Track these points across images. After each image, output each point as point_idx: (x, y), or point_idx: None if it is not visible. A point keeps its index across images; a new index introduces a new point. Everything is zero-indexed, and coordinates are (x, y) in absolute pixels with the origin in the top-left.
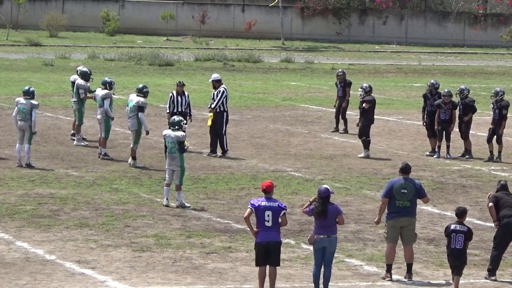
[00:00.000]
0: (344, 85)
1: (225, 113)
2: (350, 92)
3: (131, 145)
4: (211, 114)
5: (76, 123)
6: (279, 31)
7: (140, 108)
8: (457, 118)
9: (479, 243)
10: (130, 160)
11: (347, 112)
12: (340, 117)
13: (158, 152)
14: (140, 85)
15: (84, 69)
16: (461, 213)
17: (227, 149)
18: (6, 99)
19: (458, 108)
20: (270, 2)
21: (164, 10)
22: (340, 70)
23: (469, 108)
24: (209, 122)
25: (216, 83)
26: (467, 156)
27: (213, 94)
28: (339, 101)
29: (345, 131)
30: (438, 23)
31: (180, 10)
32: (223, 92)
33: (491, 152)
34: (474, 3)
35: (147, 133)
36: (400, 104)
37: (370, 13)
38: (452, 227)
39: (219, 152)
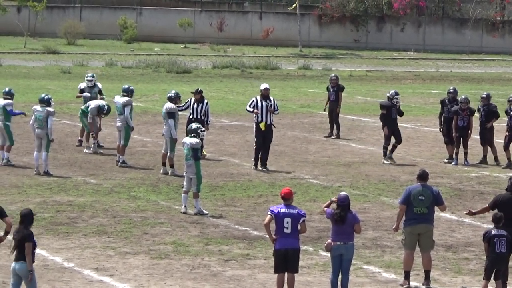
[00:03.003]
0: (337, 89)
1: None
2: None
3: (168, 154)
4: (262, 123)
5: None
6: (297, 38)
7: (169, 114)
8: (475, 125)
9: None
10: (164, 169)
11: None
12: (333, 122)
13: (176, 159)
14: (171, 92)
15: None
16: (498, 219)
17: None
18: (24, 107)
19: (480, 114)
20: (288, 9)
21: (182, 18)
22: (333, 74)
23: (492, 114)
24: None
25: (268, 92)
26: (503, 165)
27: (265, 102)
28: (331, 105)
29: (337, 136)
30: (455, 30)
31: (198, 17)
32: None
33: (509, 159)
34: (491, 10)
35: (175, 141)
36: (418, 111)
37: (387, 20)
38: (494, 232)
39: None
